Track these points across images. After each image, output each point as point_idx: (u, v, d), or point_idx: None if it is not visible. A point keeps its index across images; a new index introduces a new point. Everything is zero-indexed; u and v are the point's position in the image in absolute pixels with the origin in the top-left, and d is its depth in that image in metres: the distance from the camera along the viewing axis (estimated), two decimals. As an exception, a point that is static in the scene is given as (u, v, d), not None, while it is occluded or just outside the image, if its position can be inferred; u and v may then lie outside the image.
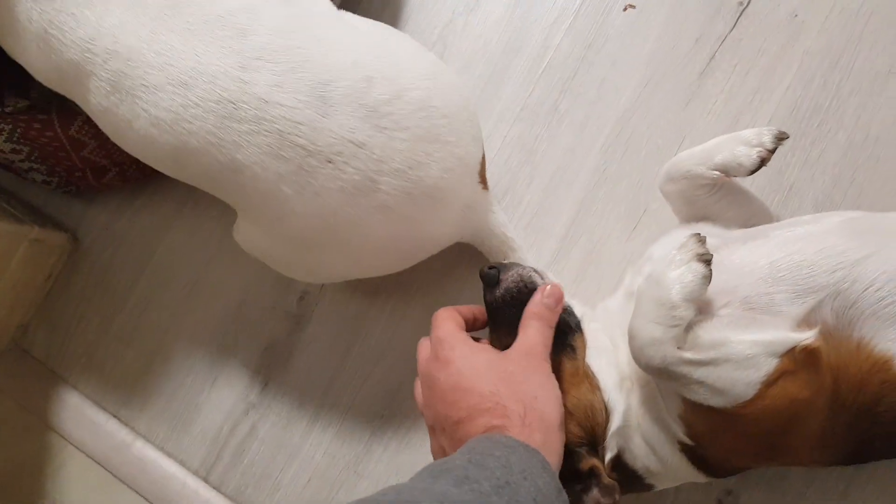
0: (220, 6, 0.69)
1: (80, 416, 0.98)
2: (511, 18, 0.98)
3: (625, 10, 0.96)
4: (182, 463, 0.97)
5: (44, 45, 0.71)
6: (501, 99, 0.96)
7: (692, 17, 0.94)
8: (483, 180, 0.83)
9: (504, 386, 0.64)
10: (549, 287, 0.72)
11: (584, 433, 0.71)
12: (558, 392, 0.68)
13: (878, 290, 0.61)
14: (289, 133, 0.67)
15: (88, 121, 0.89)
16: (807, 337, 0.61)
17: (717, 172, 0.71)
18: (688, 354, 0.62)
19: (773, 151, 0.70)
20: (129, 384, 0.99)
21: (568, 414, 0.69)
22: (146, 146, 0.72)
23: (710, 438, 0.65)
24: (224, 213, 0.98)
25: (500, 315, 0.75)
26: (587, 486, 0.69)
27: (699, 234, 0.66)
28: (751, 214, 0.78)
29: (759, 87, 0.92)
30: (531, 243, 0.94)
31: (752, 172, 0.70)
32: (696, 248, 0.64)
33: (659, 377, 0.66)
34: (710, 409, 0.63)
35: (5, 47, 0.76)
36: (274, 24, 0.69)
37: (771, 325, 0.63)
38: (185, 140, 0.68)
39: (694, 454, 0.68)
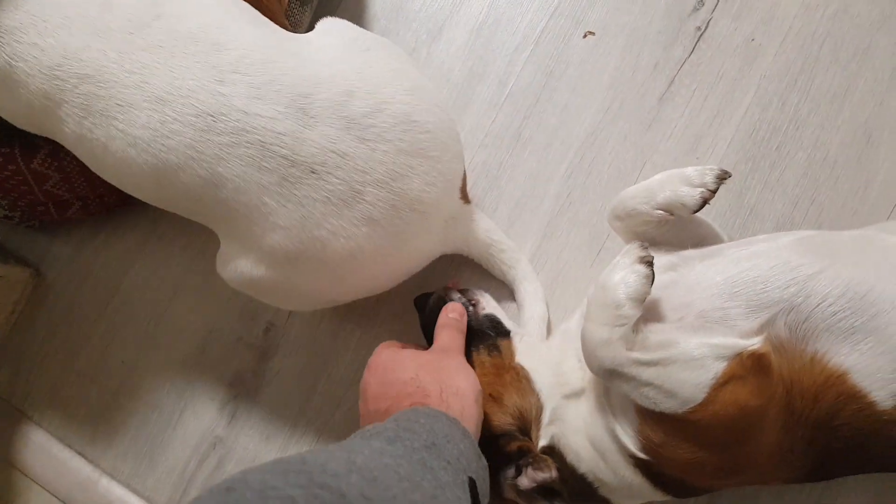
0: (191, 22, 0.69)
1: (45, 453, 0.97)
2: (473, 46, 0.99)
3: (584, 36, 0.97)
4: (149, 500, 0.95)
5: (9, 81, 0.71)
6: (465, 126, 0.97)
7: (651, 42, 0.95)
8: (464, 195, 0.84)
9: (423, 372, 0.69)
10: (450, 304, 0.81)
11: (514, 420, 0.73)
12: (472, 372, 0.72)
13: (830, 304, 0.62)
14: (271, 144, 0.67)
15: (51, 153, 0.89)
16: (754, 343, 0.62)
17: (660, 211, 0.72)
18: (636, 354, 0.63)
19: (715, 192, 0.70)
20: (94, 421, 0.97)
21: (493, 400, 0.74)
22: (125, 169, 0.71)
23: (666, 452, 0.65)
24: (189, 244, 0.98)
25: (431, 333, 0.81)
26: (520, 468, 0.70)
27: (641, 242, 0.68)
28: (701, 238, 0.79)
29: (719, 110, 0.93)
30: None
31: (695, 212, 0.71)
32: (638, 252, 0.67)
33: (611, 380, 0.66)
34: (664, 418, 0.64)
35: None
36: (247, 39, 0.70)
37: (721, 333, 0.64)
38: (164, 157, 0.68)
39: (650, 470, 0.68)
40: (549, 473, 0.69)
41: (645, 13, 0.96)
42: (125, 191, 0.77)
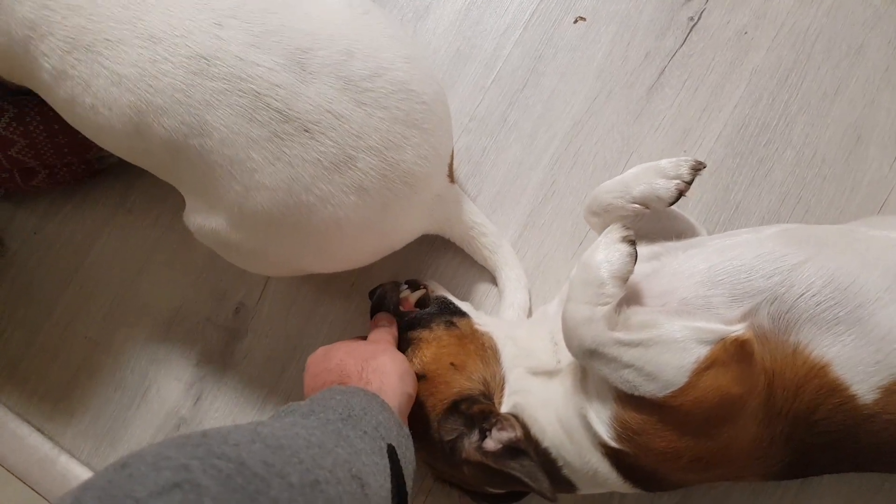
0: None
1: (2, 428, 0.93)
2: (461, 27, 0.96)
3: (575, 22, 0.94)
4: (108, 480, 0.92)
5: None
6: (450, 109, 0.94)
7: (642, 31, 0.93)
8: (451, 174, 0.82)
9: (347, 356, 0.70)
10: (380, 314, 0.82)
11: (478, 385, 0.73)
12: (398, 353, 0.73)
13: (814, 295, 0.61)
14: (265, 94, 0.64)
15: (16, 117, 0.85)
16: (737, 329, 0.61)
17: (636, 205, 0.70)
18: (618, 335, 0.62)
19: (690, 183, 0.69)
20: (54, 398, 0.94)
21: (455, 368, 0.74)
22: (103, 111, 0.67)
23: (643, 440, 0.64)
24: (158, 219, 0.95)
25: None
26: (484, 430, 0.69)
27: (623, 222, 0.67)
28: (679, 232, 0.78)
29: (708, 103, 0.91)
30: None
31: (671, 204, 0.69)
32: (621, 232, 0.66)
33: (591, 361, 0.65)
34: (643, 404, 0.63)
35: None
36: None
37: (705, 319, 0.63)
38: (149, 99, 0.64)
39: (621, 461, 0.66)
40: (513, 433, 0.68)
41: (637, 1, 0.94)
42: (97, 140, 0.73)
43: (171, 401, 0.93)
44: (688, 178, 0.69)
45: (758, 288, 0.62)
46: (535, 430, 0.70)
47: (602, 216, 0.75)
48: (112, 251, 0.96)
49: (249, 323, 0.93)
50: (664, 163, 0.70)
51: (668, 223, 0.78)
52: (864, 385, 0.59)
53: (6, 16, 0.67)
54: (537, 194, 0.92)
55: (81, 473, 0.92)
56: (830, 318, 0.60)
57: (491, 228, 0.87)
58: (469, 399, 0.71)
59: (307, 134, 0.65)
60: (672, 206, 0.71)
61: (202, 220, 0.75)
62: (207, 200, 0.72)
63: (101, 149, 0.89)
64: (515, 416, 0.71)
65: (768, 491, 0.84)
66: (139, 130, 0.67)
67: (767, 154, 0.89)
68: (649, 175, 0.70)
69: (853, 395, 0.60)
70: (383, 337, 0.77)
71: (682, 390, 0.60)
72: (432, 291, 0.84)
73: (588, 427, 0.67)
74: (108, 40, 0.64)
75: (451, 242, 0.89)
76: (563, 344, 0.69)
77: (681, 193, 0.68)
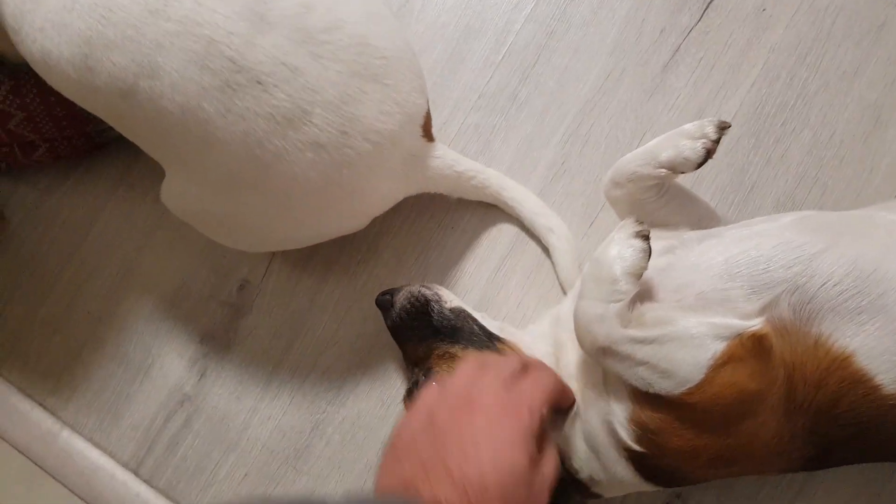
0: None
1: (4, 403, 0.93)
2: (470, 1, 0.94)
3: (589, -4, 0.92)
4: (111, 455, 0.92)
5: None
6: (458, 86, 0.92)
7: (657, 7, 0.90)
8: (428, 133, 0.79)
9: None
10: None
11: None
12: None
13: (836, 284, 0.59)
14: (219, 41, 0.62)
15: (13, 90, 0.84)
16: (754, 324, 0.60)
17: (663, 170, 0.68)
18: (632, 332, 0.61)
19: (717, 142, 0.67)
20: (56, 372, 0.93)
21: None
22: (53, 36, 0.65)
23: (661, 439, 0.63)
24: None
25: (403, 333, 0.80)
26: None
27: (636, 217, 0.66)
28: (698, 218, 0.76)
29: (724, 82, 0.89)
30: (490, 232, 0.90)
31: (699, 166, 0.67)
32: (634, 227, 0.64)
33: (604, 359, 0.63)
34: (659, 402, 0.61)
35: None
36: None
37: (721, 314, 0.61)
38: (100, 30, 0.63)
39: (642, 463, 0.65)
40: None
41: (653, -25, 0.91)
42: (46, 75, 0.71)
43: (175, 377, 0.92)
44: (714, 136, 0.67)
45: (778, 279, 0.60)
46: (575, 463, 0.70)
47: (626, 187, 0.73)
48: (114, 227, 0.94)
49: (254, 300, 0.92)
50: (688, 126, 0.69)
51: (687, 209, 0.76)
52: (889, 374, 0.58)
53: None
54: (547, 173, 0.90)
55: (83, 448, 0.92)
56: (853, 308, 0.58)
57: (476, 168, 0.85)
58: None
59: (260, 86, 0.64)
60: (691, 193, 0.70)
61: (175, 190, 0.75)
62: (173, 161, 0.72)
63: (99, 122, 0.88)
64: (563, 463, 0.69)
65: (776, 476, 0.83)
66: (88, 64, 0.65)
67: (784, 134, 0.87)
68: (674, 139, 0.69)
69: (878, 386, 0.58)
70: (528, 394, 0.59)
71: (699, 387, 0.59)
72: (447, 302, 0.80)
73: (613, 433, 0.65)
74: None
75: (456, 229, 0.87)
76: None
77: (708, 153, 0.67)
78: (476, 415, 0.56)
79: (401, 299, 0.80)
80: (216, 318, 0.92)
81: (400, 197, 0.82)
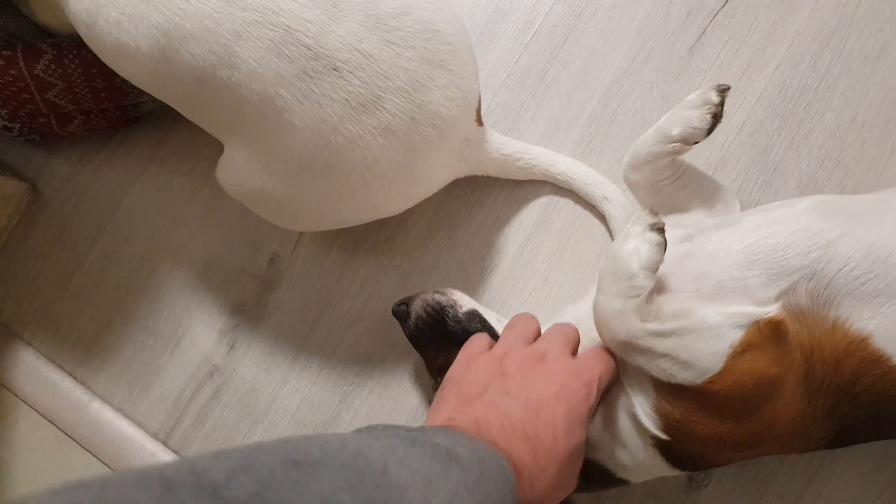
0: None
1: (35, 373, 0.94)
2: (500, -18, 0.95)
3: (617, -21, 0.93)
4: (140, 425, 0.93)
5: None
6: (487, 64, 0.94)
7: (685, -11, 0.92)
8: (479, 118, 0.81)
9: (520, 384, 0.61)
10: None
11: None
12: (576, 394, 0.63)
13: (853, 268, 0.60)
14: (296, 30, 0.63)
15: (56, 59, 0.84)
16: (770, 310, 0.61)
17: (677, 143, 0.70)
18: (651, 325, 0.62)
19: (721, 105, 0.69)
20: (86, 343, 0.94)
21: None
22: (130, 29, 0.65)
23: (685, 428, 0.64)
24: (193, 170, 0.95)
25: (422, 341, 0.80)
26: None
27: (651, 208, 0.66)
28: (716, 203, 0.78)
29: (749, 64, 0.90)
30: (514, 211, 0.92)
31: (710, 131, 0.69)
32: (649, 219, 0.64)
33: (625, 353, 0.65)
34: (682, 392, 0.62)
35: None
36: None
37: (738, 302, 0.62)
38: (177, 22, 0.63)
39: (668, 450, 0.67)
40: None
41: (681, -41, 0.93)
42: (118, 67, 0.71)
43: (205, 348, 0.93)
44: (716, 100, 0.68)
45: (795, 266, 0.61)
46: (598, 455, 0.70)
47: (643, 169, 0.75)
48: (146, 200, 0.96)
49: (283, 274, 0.93)
50: (690, 97, 0.70)
51: (702, 193, 0.78)
52: None
53: None
54: (574, 152, 0.91)
55: (113, 419, 0.93)
56: (870, 291, 0.60)
57: (522, 149, 0.86)
58: None
59: (336, 73, 0.65)
60: (708, 177, 0.72)
61: (235, 168, 0.75)
62: (239, 141, 0.72)
63: (137, 95, 0.89)
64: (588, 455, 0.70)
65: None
66: (166, 56, 0.65)
67: (807, 116, 0.89)
68: (680, 112, 0.70)
69: (895, 366, 0.60)
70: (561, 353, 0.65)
71: (719, 376, 0.60)
72: (461, 307, 0.80)
73: (638, 424, 0.67)
74: None
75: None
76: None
77: (715, 118, 0.68)
78: (547, 376, 0.61)
79: (416, 308, 0.80)
80: (246, 290, 0.93)
81: (450, 180, 0.83)
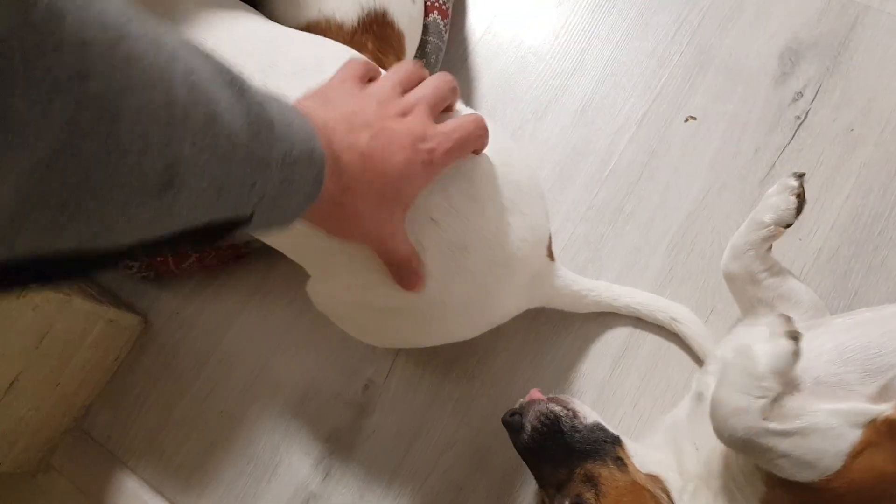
0: None
1: (137, 500, 0.97)
2: (577, 126, 1.04)
3: (686, 121, 1.01)
4: (237, 553, 0.94)
5: None
6: (567, 200, 1.00)
7: (752, 128, 0.99)
8: (550, 253, 0.86)
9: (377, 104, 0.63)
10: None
11: None
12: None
13: None
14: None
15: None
16: (885, 409, 0.62)
17: (772, 227, 0.75)
18: (773, 425, 0.62)
19: (801, 188, 0.75)
20: (188, 470, 0.98)
21: None
22: None
23: None
24: (294, 300, 1.01)
25: (538, 455, 0.76)
26: None
27: (785, 314, 0.67)
28: (806, 308, 0.80)
29: (819, 195, 0.95)
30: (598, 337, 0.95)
31: (799, 212, 0.74)
32: (785, 325, 0.66)
33: (742, 450, 0.65)
34: (794, 488, 0.62)
35: None
36: None
37: (846, 399, 0.64)
38: None
39: None
40: None
41: (745, 101, 1.00)
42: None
43: (301, 476, 0.95)
44: (794, 184, 0.75)
45: (890, 363, 0.64)
46: None
47: (743, 258, 0.78)
48: (249, 330, 1.02)
49: (378, 399, 0.96)
50: (770, 190, 0.77)
51: (794, 295, 0.80)
52: None
53: None
54: (655, 280, 0.96)
55: (210, 547, 0.94)
56: None
57: (589, 287, 0.91)
58: None
59: (433, 223, 0.70)
60: (800, 282, 0.75)
61: (325, 290, 0.81)
62: (327, 276, 0.79)
63: (247, 234, 0.97)
64: None
65: None
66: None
67: (882, 242, 0.92)
68: (766, 202, 0.76)
69: None
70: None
71: (838, 474, 0.61)
72: (584, 418, 0.78)
73: None
74: None
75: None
76: (704, 447, 0.71)
77: (799, 198, 0.74)
78: (403, 135, 0.62)
79: (531, 419, 0.76)
80: (342, 417, 0.97)
81: (522, 309, 0.87)
